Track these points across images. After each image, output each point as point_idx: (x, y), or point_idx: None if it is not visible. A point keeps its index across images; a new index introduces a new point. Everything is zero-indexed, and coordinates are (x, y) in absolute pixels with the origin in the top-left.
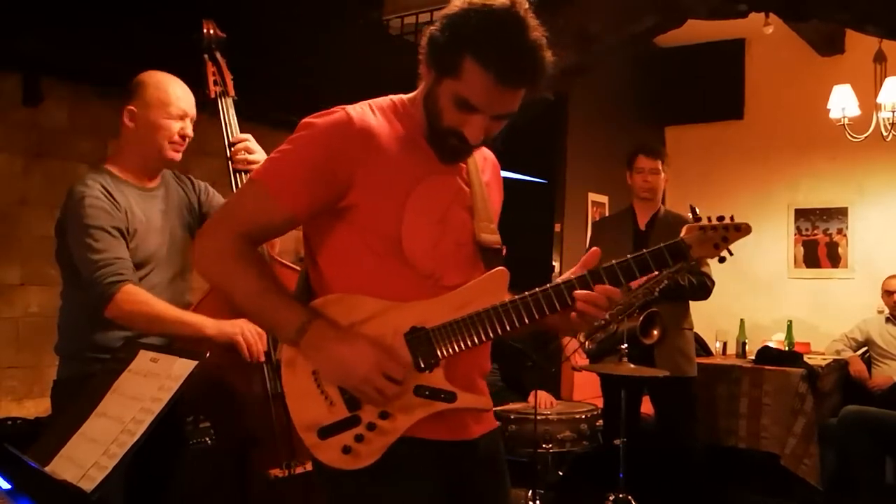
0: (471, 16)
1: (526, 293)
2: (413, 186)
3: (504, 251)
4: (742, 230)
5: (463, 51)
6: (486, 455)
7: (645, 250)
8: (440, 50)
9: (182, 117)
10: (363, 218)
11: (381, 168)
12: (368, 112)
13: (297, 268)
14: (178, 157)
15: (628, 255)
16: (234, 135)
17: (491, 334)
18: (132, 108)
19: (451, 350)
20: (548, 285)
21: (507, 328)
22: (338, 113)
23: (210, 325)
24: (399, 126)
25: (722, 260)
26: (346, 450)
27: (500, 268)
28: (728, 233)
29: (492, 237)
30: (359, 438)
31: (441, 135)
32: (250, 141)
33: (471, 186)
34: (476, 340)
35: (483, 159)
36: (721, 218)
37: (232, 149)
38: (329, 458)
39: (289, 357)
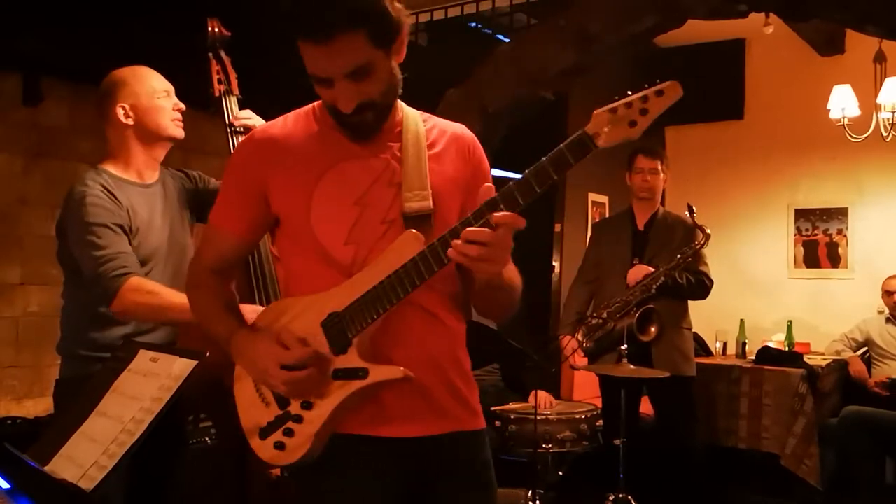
0: (280, 3)
1: (423, 248)
2: (320, 177)
3: (435, 214)
4: (667, 92)
5: (291, 36)
6: (453, 458)
7: (544, 158)
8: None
9: (168, 94)
10: (284, 221)
11: (286, 168)
12: (277, 122)
13: None
14: (182, 133)
15: (526, 171)
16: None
17: (393, 300)
18: (123, 104)
19: (358, 327)
20: (445, 232)
21: (408, 288)
22: (247, 134)
23: None
24: (313, 125)
25: (642, 136)
26: (278, 445)
27: (408, 231)
28: (648, 102)
29: (420, 203)
30: (287, 432)
31: (334, 117)
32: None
33: (403, 162)
34: (380, 310)
35: (441, 134)
36: (639, 91)
37: (232, 122)
38: (268, 457)
39: (238, 372)
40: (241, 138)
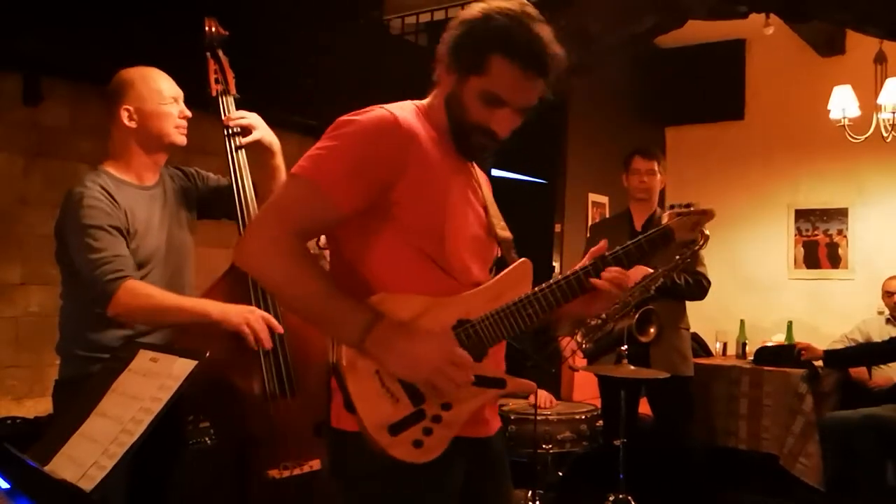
0: (492, 17)
1: (550, 281)
2: (449, 185)
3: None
4: (707, 214)
5: (489, 48)
6: (496, 453)
7: (641, 236)
8: (465, 51)
9: (176, 100)
10: (406, 216)
11: (423, 167)
12: (405, 112)
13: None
14: (185, 140)
15: (628, 243)
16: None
17: (528, 321)
18: (128, 107)
19: (496, 339)
20: (568, 273)
21: (541, 314)
22: (380, 112)
23: (214, 309)
24: (431, 129)
25: (700, 244)
26: (417, 444)
27: (525, 259)
28: (699, 217)
29: (505, 232)
30: (427, 431)
31: (467, 132)
32: (235, 114)
33: (482, 189)
34: (516, 329)
35: (477, 172)
36: (689, 206)
37: (226, 122)
38: (403, 454)
39: (350, 360)
40: (238, 139)
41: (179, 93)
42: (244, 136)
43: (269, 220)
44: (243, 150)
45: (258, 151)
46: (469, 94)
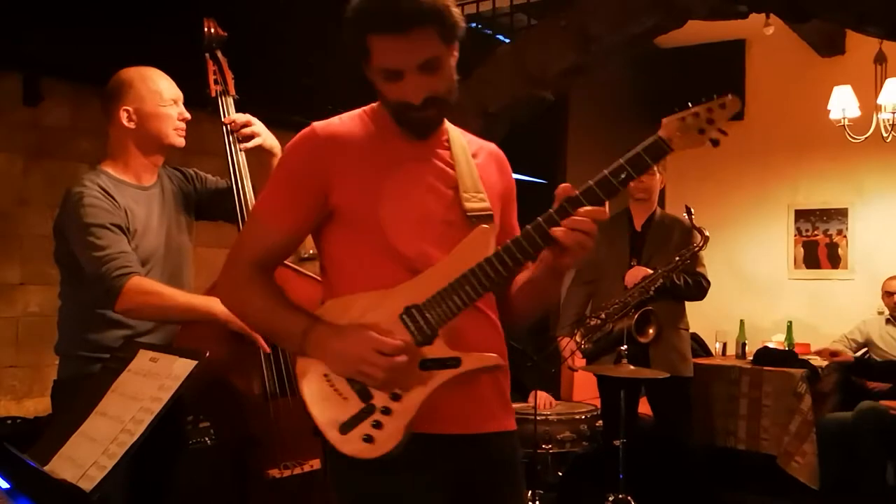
0: (353, 4)
1: (508, 241)
2: (387, 176)
3: (495, 217)
4: (728, 106)
5: (361, 34)
6: (498, 457)
7: (621, 159)
8: (351, 45)
9: (176, 102)
10: (346, 216)
11: (353, 165)
12: (334, 120)
13: (297, 267)
14: (183, 141)
15: (604, 171)
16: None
17: (480, 290)
18: (127, 107)
19: (444, 317)
20: (527, 226)
21: (494, 281)
22: (304, 130)
23: (220, 308)
24: (370, 127)
25: (715, 143)
26: (367, 438)
27: (480, 226)
28: (713, 113)
29: (480, 204)
30: (376, 425)
31: (397, 113)
32: (239, 118)
33: (456, 167)
34: (466, 300)
35: (480, 148)
36: (702, 101)
37: (233, 129)
38: (353, 450)
39: (301, 367)
40: (239, 143)
41: (179, 94)
42: (246, 140)
43: (230, 260)
44: (244, 153)
45: (259, 155)
46: (377, 80)
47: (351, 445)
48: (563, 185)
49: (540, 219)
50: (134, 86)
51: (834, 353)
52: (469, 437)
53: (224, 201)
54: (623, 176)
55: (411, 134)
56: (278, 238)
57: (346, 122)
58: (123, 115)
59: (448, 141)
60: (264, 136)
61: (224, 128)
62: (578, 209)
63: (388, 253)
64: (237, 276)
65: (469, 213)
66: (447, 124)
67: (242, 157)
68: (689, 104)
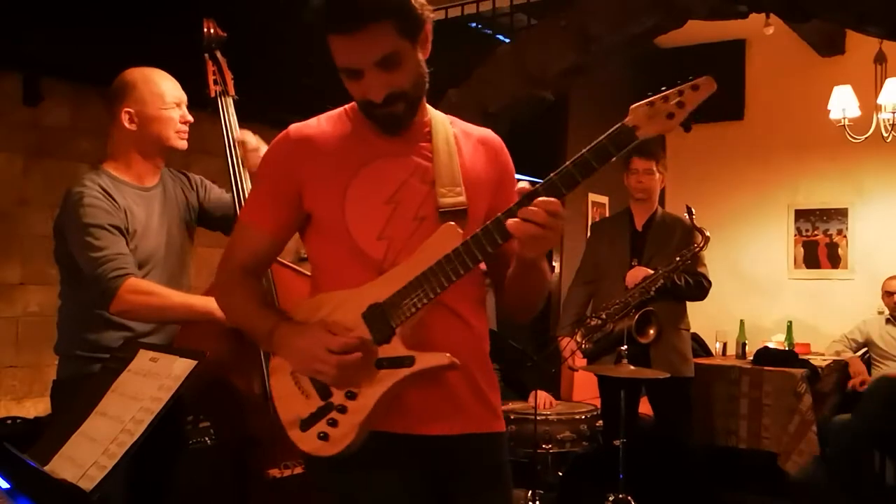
0: (311, 5)
1: (467, 238)
2: (354, 175)
3: (469, 210)
4: (702, 87)
5: (321, 34)
6: (478, 459)
7: (584, 150)
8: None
9: (178, 105)
10: (317, 220)
11: (321, 167)
12: (310, 122)
13: (297, 267)
14: (185, 144)
15: (567, 162)
16: (235, 134)
17: (437, 289)
18: (129, 109)
19: (402, 316)
20: (487, 222)
21: (452, 277)
22: (279, 135)
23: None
24: (346, 125)
25: (687, 128)
26: (322, 436)
27: (448, 223)
28: (684, 95)
29: (454, 199)
30: (331, 423)
31: (364, 111)
32: (250, 141)
33: (434, 160)
34: (424, 298)
35: (467, 136)
36: (675, 86)
37: (238, 150)
38: (310, 448)
39: (274, 365)
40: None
41: (183, 97)
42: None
43: (220, 266)
44: (248, 172)
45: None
46: (342, 78)
47: (308, 443)
48: (524, 183)
49: (501, 214)
50: (137, 87)
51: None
52: (442, 438)
53: (226, 214)
54: (585, 168)
55: (382, 130)
56: (262, 242)
57: (323, 122)
58: (125, 117)
59: (430, 133)
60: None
61: (226, 139)
62: (535, 200)
63: (356, 254)
64: (226, 281)
65: (441, 209)
66: (434, 114)
67: (246, 175)
68: (662, 89)
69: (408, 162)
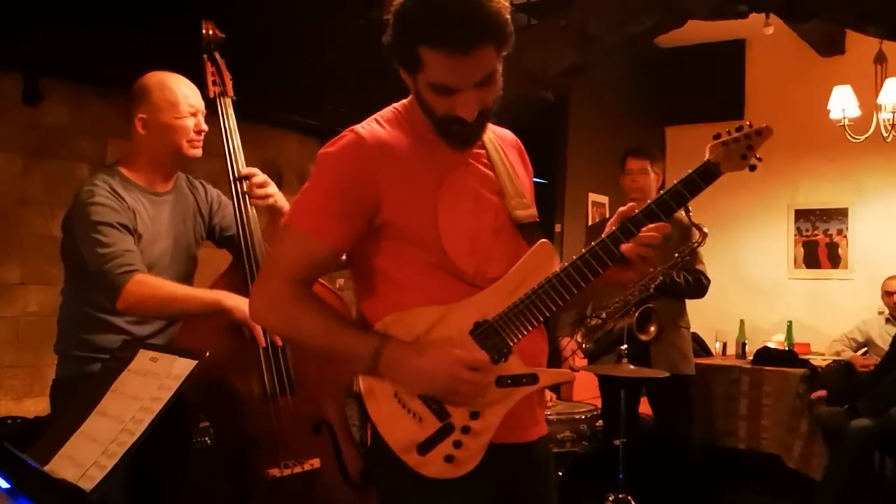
0: (405, 7)
1: (574, 257)
2: (438, 186)
3: (539, 222)
4: (764, 133)
5: (413, 43)
6: (538, 460)
7: (677, 182)
8: (398, 52)
9: (194, 114)
10: (399, 231)
11: (404, 177)
12: (377, 127)
13: (326, 283)
14: (199, 152)
15: (662, 192)
16: (241, 169)
17: (553, 307)
18: (143, 115)
19: (519, 335)
20: (593, 243)
21: (566, 297)
22: (347, 136)
23: (226, 298)
24: (409, 131)
25: (752, 168)
26: (449, 458)
27: (542, 240)
28: (752, 140)
29: (526, 212)
30: (457, 444)
31: (443, 125)
32: (258, 176)
33: (494, 169)
34: (540, 318)
35: (502, 140)
36: (740, 128)
37: (244, 183)
38: (435, 472)
39: (367, 387)
40: (256, 201)
41: (200, 106)
42: (258, 198)
43: (266, 276)
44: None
45: (271, 213)
46: (423, 89)
47: (432, 467)
48: (631, 204)
49: (606, 238)
50: (153, 93)
51: None
52: (514, 445)
53: (234, 236)
54: (678, 197)
55: (457, 145)
56: (323, 253)
57: (388, 127)
58: (139, 123)
59: (481, 139)
60: (276, 197)
61: (223, 131)
62: (642, 228)
63: (446, 267)
64: (278, 294)
65: (517, 222)
66: None
67: (252, 211)
68: (729, 132)
69: (476, 171)
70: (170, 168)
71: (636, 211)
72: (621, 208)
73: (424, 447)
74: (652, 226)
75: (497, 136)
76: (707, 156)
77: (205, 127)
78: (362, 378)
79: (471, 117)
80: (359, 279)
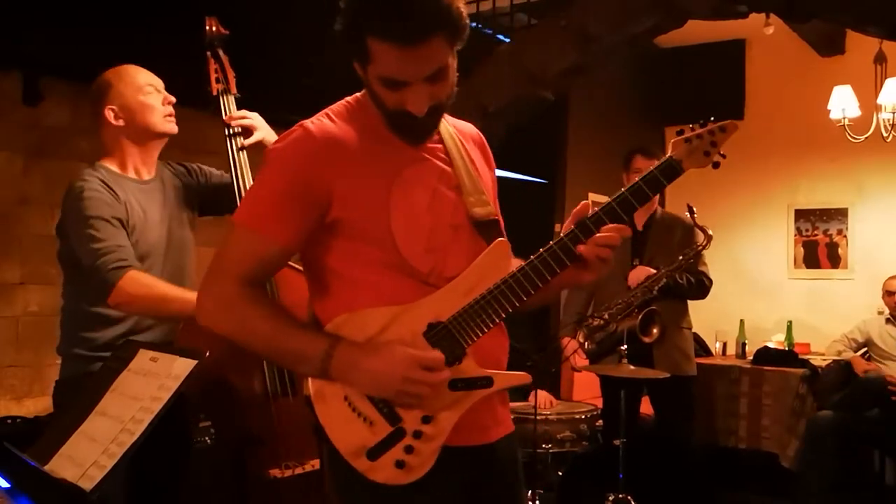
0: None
1: (531, 257)
2: (391, 182)
3: (501, 222)
4: (728, 129)
5: (361, 34)
6: (503, 459)
7: (638, 178)
8: (346, 41)
9: (158, 90)
10: (351, 229)
11: (355, 173)
12: (326, 121)
13: (300, 267)
14: (175, 127)
15: (622, 189)
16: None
17: (508, 308)
18: (111, 106)
19: (474, 336)
20: (550, 243)
21: (523, 298)
22: (296, 131)
23: None
24: (361, 125)
25: (716, 165)
26: (399, 464)
27: (499, 239)
28: (715, 136)
29: (484, 209)
30: (408, 450)
31: (393, 119)
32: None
33: (453, 164)
34: (495, 319)
35: (463, 134)
36: (703, 124)
37: (227, 122)
38: (385, 477)
39: (316, 389)
40: (239, 140)
41: (157, 81)
42: (246, 136)
43: (213, 275)
44: (245, 150)
45: (260, 151)
46: (373, 81)
47: (382, 472)
48: (584, 202)
49: (564, 237)
50: (113, 84)
51: None
52: (476, 447)
53: (228, 197)
54: (640, 195)
55: (409, 140)
56: (271, 251)
57: (339, 121)
58: (110, 115)
59: (439, 133)
60: (264, 133)
61: (226, 129)
62: (601, 227)
63: (400, 266)
64: (225, 293)
65: (475, 220)
66: None
67: (244, 156)
68: (692, 127)
69: (433, 167)
70: (151, 150)
71: (597, 210)
72: (575, 209)
73: (374, 452)
74: (611, 226)
75: (458, 130)
76: (669, 152)
77: (172, 98)
78: (311, 381)
79: (420, 112)
80: (311, 278)
